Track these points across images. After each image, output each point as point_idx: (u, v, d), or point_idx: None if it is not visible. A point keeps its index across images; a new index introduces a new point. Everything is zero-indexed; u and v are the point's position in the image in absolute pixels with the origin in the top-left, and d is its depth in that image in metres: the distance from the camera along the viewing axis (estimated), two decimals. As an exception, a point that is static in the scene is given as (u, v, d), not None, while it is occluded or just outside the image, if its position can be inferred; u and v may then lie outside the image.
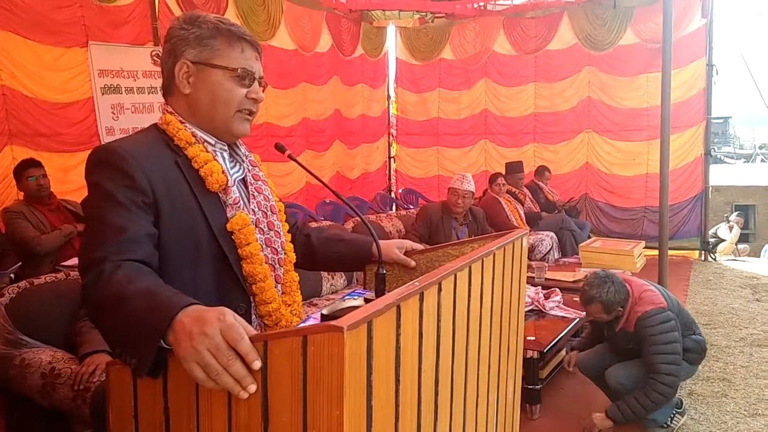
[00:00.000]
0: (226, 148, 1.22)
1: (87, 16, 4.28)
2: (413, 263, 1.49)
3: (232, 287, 1.15)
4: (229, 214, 1.15)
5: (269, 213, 1.24)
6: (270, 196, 1.27)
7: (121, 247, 0.98)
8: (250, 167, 1.25)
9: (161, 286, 0.95)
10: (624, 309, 2.75)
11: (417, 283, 0.93)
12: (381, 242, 1.40)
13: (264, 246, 1.21)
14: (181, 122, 1.17)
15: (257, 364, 0.79)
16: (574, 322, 3.30)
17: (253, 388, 0.80)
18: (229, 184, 1.17)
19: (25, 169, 3.48)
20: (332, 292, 4.04)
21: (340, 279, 4.14)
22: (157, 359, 0.87)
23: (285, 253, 1.27)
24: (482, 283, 1.22)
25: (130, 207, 1.03)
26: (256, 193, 1.23)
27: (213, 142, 1.19)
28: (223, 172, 1.16)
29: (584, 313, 3.36)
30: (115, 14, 4.43)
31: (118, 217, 1.01)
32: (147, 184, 1.05)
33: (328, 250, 1.48)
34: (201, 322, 0.81)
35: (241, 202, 1.18)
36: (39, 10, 3.99)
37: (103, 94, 4.45)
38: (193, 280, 1.09)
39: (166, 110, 1.19)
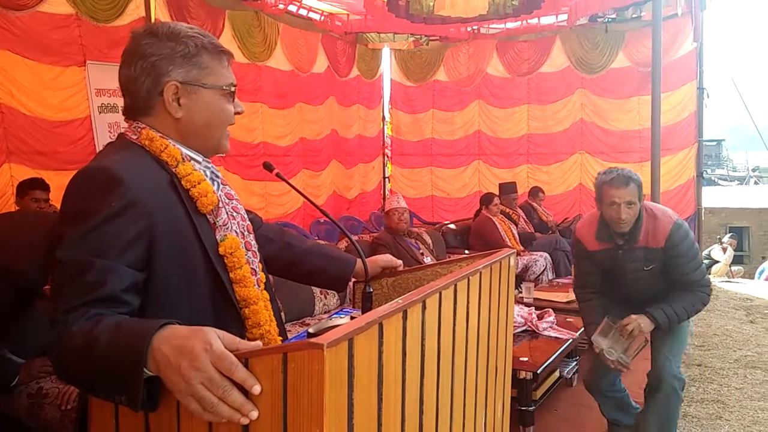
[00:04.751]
0: (210, 166, 1.17)
1: (84, 35, 4.33)
2: (399, 262, 1.52)
3: (227, 311, 1.11)
4: (218, 236, 1.11)
5: (246, 233, 1.19)
6: (245, 216, 1.22)
7: (93, 305, 0.91)
8: (222, 186, 1.19)
9: (127, 318, 0.91)
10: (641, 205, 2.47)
11: (400, 301, 0.93)
12: (367, 259, 1.41)
13: None
14: (164, 138, 1.10)
15: (257, 389, 0.77)
16: (567, 343, 3.28)
17: (255, 414, 0.77)
18: (219, 205, 1.13)
19: (32, 189, 3.38)
20: (324, 312, 4.02)
21: (332, 299, 4.13)
22: (150, 390, 0.84)
23: (260, 273, 1.22)
24: (468, 301, 1.23)
25: (117, 248, 0.94)
26: (234, 213, 1.18)
27: (200, 160, 1.14)
28: (213, 192, 1.12)
29: (576, 333, 3.35)
30: (112, 34, 4.47)
31: (99, 264, 0.92)
32: (147, 209, 0.99)
33: (309, 263, 1.45)
34: (189, 356, 0.78)
35: (229, 223, 1.14)
36: (37, 29, 4.03)
37: (100, 113, 4.48)
38: (189, 305, 1.05)
39: (140, 127, 1.10)
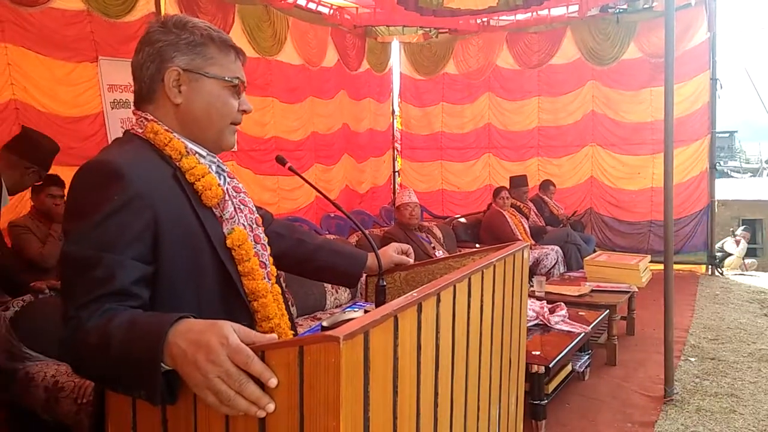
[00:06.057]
0: (215, 160, 1.17)
1: (96, 31, 4.35)
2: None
3: (236, 305, 1.10)
4: (225, 230, 1.11)
5: (255, 226, 1.19)
6: (254, 209, 1.22)
7: (104, 300, 0.91)
8: (229, 179, 1.19)
9: (141, 313, 0.92)
10: None
11: (415, 294, 0.93)
12: (379, 250, 1.41)
13: None
14: (169, 131, 1.10)
15: (273, 382, 0.77)
16: (579, 337, 3.27)
17: (271, 407, 0.78)
18: (226, 198, 1.13)
19: (48, 186, 3.39)
20: (336, 306, 4.03)
21: (344, 293, 4.14)
22: (169, 383, 0.85)
23: (270, 266, 1.22)
24: (482, 294, 1.22)
25: (123, 242, 0.95)
26: (241, 206, 1.18)
27: (204, 154, 1.14)
28: (218, 185, 1.11)
29: (588, 327, 3.33)
30: (123, 29, 4.50)
31: (107, 259, 0.92)
32: (150, 202, 0.99)
33: (320, 259, 1.45)
34: (205, 350, 0.79)
35: (236, 216, 1.14)
36: (50, 25, 4.06)
37: (113, 108, 4.51)
38: (197, 299, 1.05)
39: (147, 118, 1.11)
